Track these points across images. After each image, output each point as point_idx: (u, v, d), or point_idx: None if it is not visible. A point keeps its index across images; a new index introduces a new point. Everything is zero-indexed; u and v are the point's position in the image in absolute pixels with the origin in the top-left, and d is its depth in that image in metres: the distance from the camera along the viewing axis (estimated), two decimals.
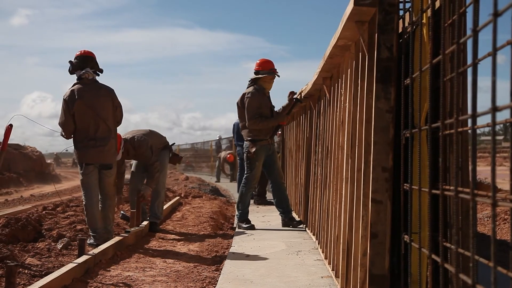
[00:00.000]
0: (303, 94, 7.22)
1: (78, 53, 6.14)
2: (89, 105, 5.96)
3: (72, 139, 6.07)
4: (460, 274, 1.55)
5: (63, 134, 6.05)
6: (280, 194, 7.69)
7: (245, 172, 7.73)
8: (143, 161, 7.33)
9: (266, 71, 7.63)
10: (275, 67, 7.72)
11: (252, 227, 7.44)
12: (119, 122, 6.30)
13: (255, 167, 7.59)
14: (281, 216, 7.63)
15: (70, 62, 6.12)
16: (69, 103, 5.95)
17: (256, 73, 7.68)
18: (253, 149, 7.49)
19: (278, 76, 7.68)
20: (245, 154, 7.68)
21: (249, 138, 7.56)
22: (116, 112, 6.17)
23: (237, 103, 7.68)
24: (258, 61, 7.73)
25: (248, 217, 7.66)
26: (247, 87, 7.70)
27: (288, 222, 7.56)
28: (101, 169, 6.08)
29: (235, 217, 7.85)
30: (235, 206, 7.95)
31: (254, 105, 7.50)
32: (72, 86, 6.05)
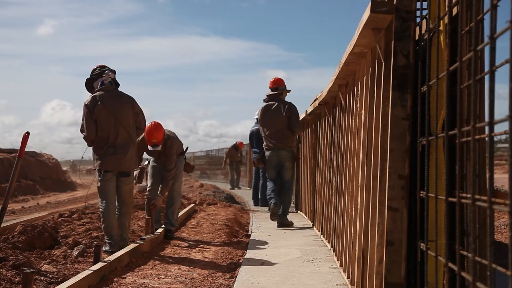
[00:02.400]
0: (317, 102, 7.22)
1: (94, 67, 6.22)
2: (111, 110, 5.99)
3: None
4: (477, 282, 1.54)
5: (85, 140, 6.08)
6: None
7: (285, 177, 8.63)
8: (165, 162, 7.20)
9: (284, 87, 8.74)
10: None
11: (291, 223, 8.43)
12: (143, 129, 6.34)
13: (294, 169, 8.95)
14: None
15: (89, 78, 6.20)
16: (92, 108, 5.98)
17: (282, 89, 8.67)
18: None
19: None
20: (288, 162, 8.60)
21: (292, 144, 8.62)
22: (138, 119, 6.20)
23: (284, 111, 8.45)
24: (274, 79, 8.73)
25: (264, 224, 7.81)
26: (272, 100, 8.60)
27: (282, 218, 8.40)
28: (119, 176, 6.11)
29: (250, 224, 7.85)
30: (269, 208, 8.55)
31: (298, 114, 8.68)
32: (94, 93, 6.10)
